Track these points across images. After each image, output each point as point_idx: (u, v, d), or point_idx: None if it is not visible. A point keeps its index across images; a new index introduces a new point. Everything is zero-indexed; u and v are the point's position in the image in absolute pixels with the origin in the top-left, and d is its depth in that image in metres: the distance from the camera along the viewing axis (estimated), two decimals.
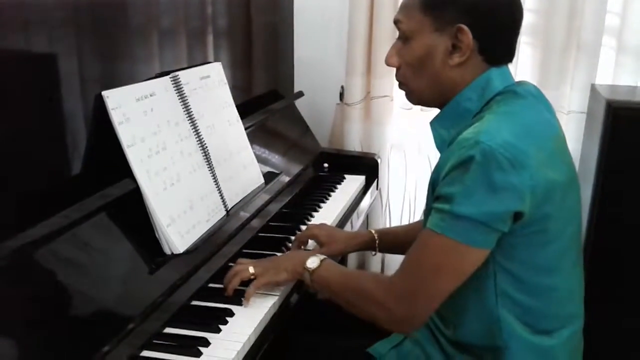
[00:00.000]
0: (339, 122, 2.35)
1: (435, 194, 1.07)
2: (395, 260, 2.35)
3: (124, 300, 1.11)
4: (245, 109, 1.77)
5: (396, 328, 1.17)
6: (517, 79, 2.12)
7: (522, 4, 1.98)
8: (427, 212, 1.17)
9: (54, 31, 1.13)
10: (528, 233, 1.06)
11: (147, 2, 1.40)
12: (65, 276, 1.04)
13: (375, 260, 2.39)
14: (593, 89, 1.90)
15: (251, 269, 1.26)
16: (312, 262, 1.22)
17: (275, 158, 1.87)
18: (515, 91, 1.12)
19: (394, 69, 1.19)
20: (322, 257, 1.24)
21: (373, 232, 1.50)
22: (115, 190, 1.17)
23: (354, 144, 2.31)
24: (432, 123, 1.20)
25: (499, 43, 1.12)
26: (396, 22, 1.16)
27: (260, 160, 1.75)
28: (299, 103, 2.20)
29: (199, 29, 1.64)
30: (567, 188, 1.08)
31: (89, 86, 1.20)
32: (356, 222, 1.93)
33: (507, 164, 0.98)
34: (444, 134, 1.17)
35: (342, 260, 2.14)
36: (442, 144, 1.18)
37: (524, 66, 2.13)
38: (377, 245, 1.49)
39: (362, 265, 2.45)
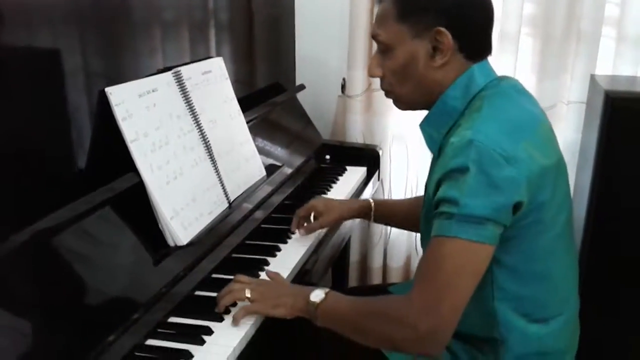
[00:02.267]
0: (341, 114, 2.37)
1: (436, 198, 1.08)
2: (398, 255, 2.38)
3: (128, 290, 1.14)
4: (247, 102, 1.79)
5: (422, 347, 1.06)
6: (517, 69, 2.17)
7: None
8: (424, 217, 1.20)
9: (58, 28, 1.15)
10: (525, 224, 1.08)
11: None
12: (71, 267, 1.08)
13: (377, 251, 2.41)
14: (592, 79, 1.91)
15: (247, 293, 1.18)
16: (317, 296, 1.14)
17: (278, 150, 1.90)
18: (498, 88, 1.15)
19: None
20: (326, 289, 1.16)
21: (371, 200, 1.54)
22: (120, 183, 1.20)
23: (356, 135, 2.33)
24: (421, 125, 1.24)
25: (476, 39, 1.16)
26: (375, 36, 1.18)
27: (263, 152, 1.78)
28: (301, 96, 2.22)
29: (202, 24, 1.66)
30: (557, 173, 1.11)
31: (93, 82, 1.22)
32: None
33: (502, 160, 1.02)
34: (434, 133, 1.20)
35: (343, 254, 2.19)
36: (433, 144, 1.22)
37: (524, 56, 2.13)
38: (372, 213, 1.53)
39: (364, 257, 2.48)
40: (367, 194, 2.02)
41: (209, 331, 1.15)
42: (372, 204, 1.53)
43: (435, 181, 1.10)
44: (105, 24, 1.28)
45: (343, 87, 2.35)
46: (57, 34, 1.16)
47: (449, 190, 1.04)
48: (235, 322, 1.16)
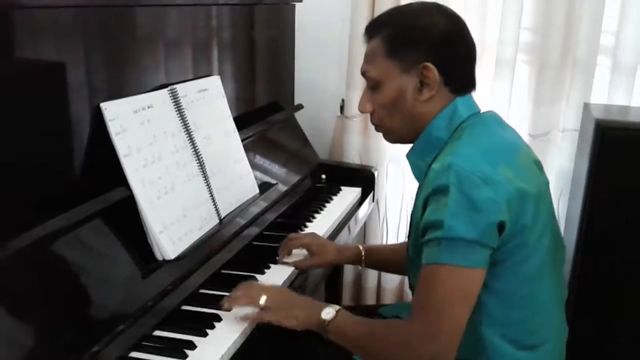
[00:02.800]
0: (339, 134, 2.40)
1: (422, 224, 1.11)
2: (391, 276, 2.39)
3: (115, 302, 1.16)
4: (246, 120, 1.83)
5: None
6: (513, 95, 2.19)
7: (519, 22, 2.06)
8: (413, 245, 1.22)
9: (60, 44, 1.19)
10: (510, 248, 1.11)
11: (156, 18, 1.47)
12: (60, 276, 1.10)
13: (371, 271, 2.42)
14: (586, 107, 1.93)
15: (262, 301, 1.22)
16: (328, 314, 1.18)
17: (273, 168, 1.92)
18: (479, 119, 1.20)
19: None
20: (337, 307, 1.20)
21: (361, 248, 1.56)
22: (110, 197, 1.22)
23: (353, 156, 2.36)
24: (408, 155, 1.27)
25: (461, 73, 1.21)
26: (364, 73, 1.23)
27: (259, 170, 1.81)
28: (301, 116, 2.26)
29: (205, 43, 1.70)
30: (538, 199, 1.13)
31: (96, 96, 1.25)
32: (353, 232, 1.98)
33: (481, 182, 1.05)
34: (420, 163, 1.24)
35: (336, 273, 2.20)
36: (420, 174, 1.25)
37: (520, 83, 2.17)
38: (363, 260, 1.54)
39: (358, 277, 2.49)
40: (361, 214, 2.04)
41: (192, 345, 1.16)
42: (363, 252, 1.55)
43: (420, 206, 1.13)
44: (111, 40, 1.32)
45: (342, 107, 2.38)
46: (60, 50, 1.19)
47: (432, 214, 1.07)
48: (245, 320, 1.22)
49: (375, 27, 1.22)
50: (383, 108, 1.22)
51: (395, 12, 1.25)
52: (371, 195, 2.14)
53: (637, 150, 1.65)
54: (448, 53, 1.17)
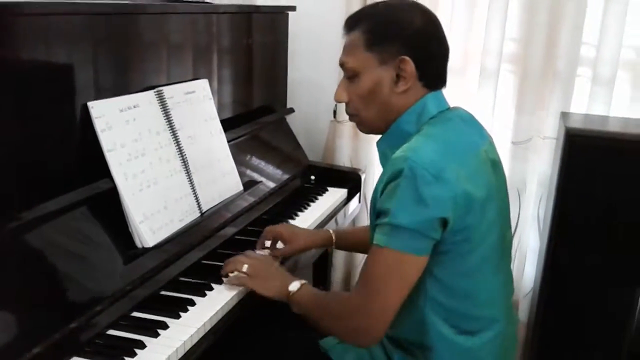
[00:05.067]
0: (332, 138, 2.50)
1: (375, 210, 1.21)
2: None
3: (96, 284, 1.27)
4: (238, 122, 1.95)
5: (355, 340, 1.24)
6: (497, 103, 2.27)
7: (503, 33, 2.14)
8: (372, 228, 1.31)
9: (63, 48, 1.32)
10: (455, 241, 1.19)
11: (159, 22, 1.61)
12: (45, 257, 1.21)
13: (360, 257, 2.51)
14: (562, 116, 2.01)
15: (245, 268, 1.39)
16: (294, 286, 1.33)
17: (262, 167, 2.02)
18: (445, 115, 1.27)
19: None
20: (304, 281, 1.34)
21: (331, 232, 1.66)
22: (96, 186, 1.34)
23: (344, 159, 2.46)
24: (378, 143, 1.35)
25: (434, 69, 1.28)
26: (342, 64, 1.30)
27: (248, 168, 1.91)
28: (296, 120, 2.36)
29: (201, 49, 1.83)
30: (486, 202, 1.20)
31: (103, 96, 1.38)
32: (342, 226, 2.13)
33: (431, 178, 1.13)
34: (387, 151, 1.31)
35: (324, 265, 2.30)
36: (385, 161, 1.32)
37: (504, 91, 2.24)
38: (333, 243, 1.65)
39: (348, 266, 2.58)
40: (350, 209, 2.17)
41: (164, 326, 1.27)
42: (333, 235, 1.66)
43: (377, 193, 1.22)
44: (117, 46, 1.46)
45: (335, 112, 2.48)
46: (70, 52, 1.33)
47: (384, 203, 1.17)
48: (228, 284, 1.41)
49: (356, 20, 1.29)
50: (359, 98, 1.29)
51: (375, 7, 1.32)
52: (357, 195, 2.23)
53: (602, 157, 1.72)
54: (423, 48, 1.24)
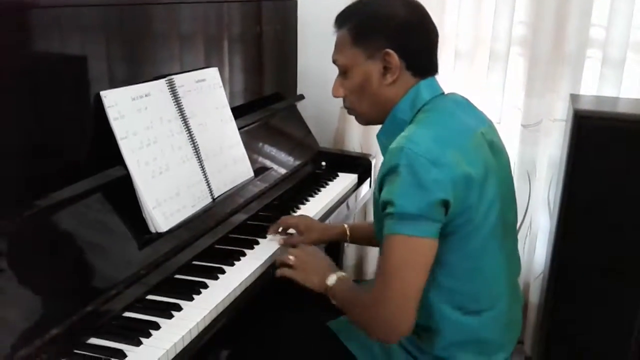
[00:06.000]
0: (342, 124, 2.52)
1: (380, 201, 1.23)
2: None
3: (111, 268, 1.31)
4: (249, 109, 1.98)
5: (381, 332, 1.22)
6: (506, 86, 2.27)
7: (512, 16, 2.14)
8: (376, 219, 1.34)
9: (83, 37, 1.36)
10: (457, 224, 1.21)
11: (170, 12, 1.65)
12: (62, 241, 1.26)
13: (373, 255, 2.54)
14: (572, 98, 2.01)
15: (291, 259, 1.42)
16: (331, 280, 1.35)
17: (273, 154, 2.05)
18: (439, 101, 1.30)
19: None
20: (342, 274, 1.36)
21: (346, 226, 1.68)
22: (110, 174, 1.37)
23: (354, 145, 2.48)
24: (378, 135, 1.39)
25: (421, 58, 1.31)
26: (334, 61, 1.35)
27: (259, 155, 1.94)
28: (307, 107, 2.38)
29: (211, 38, 1.86)
30: (484, 181, 1.22)
31: (116, 86, 1.42)
32: (353, 210, 2.17)
33: (429, 164, 1.15)
34: (387, 143, 1.33)
35: (335, 252, 2.33)
36: (386, 152, 1.35)
37: (514, 74, 2.24)
38: (348, 237, 1.67)
39: (360, 253, 2.61)
40: (362, 193, 2.20)
41: (178, 308, 1.31)
42: (347, 229, 1.68)
43: (378, 184, 1.25)
44: (130, 36, 1.49)
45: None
46: (84, 42, 1.36)
47: (387, 194, 1.19)
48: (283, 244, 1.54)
49: (342, 18, 1.34)
50: (352, 92, 1.34)
51: (359, 4, 1.35)
52: (368, 180, 2.26)
53: (610, 138, 1.72)
54: (407, 40, 1.27)
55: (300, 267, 1.41)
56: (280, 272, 1.43)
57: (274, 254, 1.59)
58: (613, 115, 1.79)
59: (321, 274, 1.37)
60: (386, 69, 1.28)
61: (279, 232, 1.65)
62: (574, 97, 1.99)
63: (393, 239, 1.18)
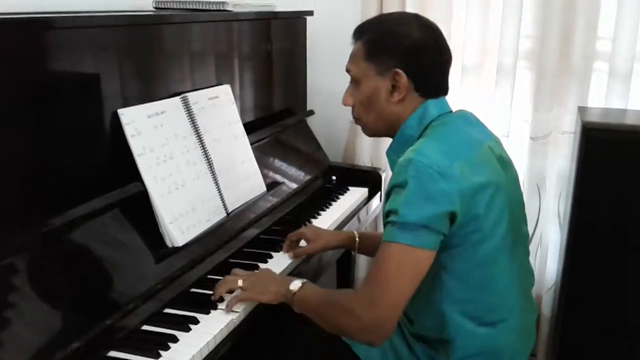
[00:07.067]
0: (352, 139, 2.54)
1: (384, 210, 1.25)
2: None
3: (129, 283, 1.33)
4: (260, 125, 2.02)
5: (366, 336, 1.21)
6: (514, 100, 2.29)
7: (519, 30, 2.16)
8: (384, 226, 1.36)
9: (94, 60, 1.39)
10: (465, 233, 1.23)
11: (181, 32, 1.69)
12: (81, 257, 1.28)
13: None
14: (579, 110, 2.02)
15: (240, 282, 1.39)
16: (295, 285, 1.34)
17: (284, 169, 2.08)
18: (447, 118, 1.33)
19: None
20: (304, 280, 1.36)
21: (355, 232, 1.69)
22: (128, 190, 1.40)
23: (364, 159, 2.50)
24: (387, 152, 1.42)
25: (430, 80, 1.33)
26: (347, 70, 1.38)
27: (271, 170, 1.97)
28: (317, 122, 2.41)
29: (223, 54, 1.89)
30: (491, 190, 1.24)
31: (130, 104, 1.45)
32: (364, 223, 2.18)
33: (437, 175, 1.17)
34: (395, 158, 1.36)
35: (347, 263, 2.34)
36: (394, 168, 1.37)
37: (522, 88, 2.27)
38: (356, 245, 1.68)
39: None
40: (373, 206, 2.21)
41: (195, 321, 1.32)
42: (357, 237, 1.69)
43: (385, 195, 1.27)
44: (144, 55, 1.53)
45: None
46: (100, 62, 1.40)
47: (392, 203, 1.21)
48: (228, 308, 1.36)
49: (360, 32, 1.37)
50: (361, 103, 1.37)
51: (378, 20, 1.39)
52: (379, 194, 2.27)
53: (618, 150, 1.74)
54: (418, 61, 1.30)
55: (252, 286, 1.39)
56: (235, 300, 1.37)
57: (287, 267, 1.61)
58: (621, 127, 1.81)
59: (279, 282, 1.38)
60: (394, 87, 1.31)
61: (290, 247, 1.67)
62: (582, 110, 2.01)
63: (391, 247, 1.19)
